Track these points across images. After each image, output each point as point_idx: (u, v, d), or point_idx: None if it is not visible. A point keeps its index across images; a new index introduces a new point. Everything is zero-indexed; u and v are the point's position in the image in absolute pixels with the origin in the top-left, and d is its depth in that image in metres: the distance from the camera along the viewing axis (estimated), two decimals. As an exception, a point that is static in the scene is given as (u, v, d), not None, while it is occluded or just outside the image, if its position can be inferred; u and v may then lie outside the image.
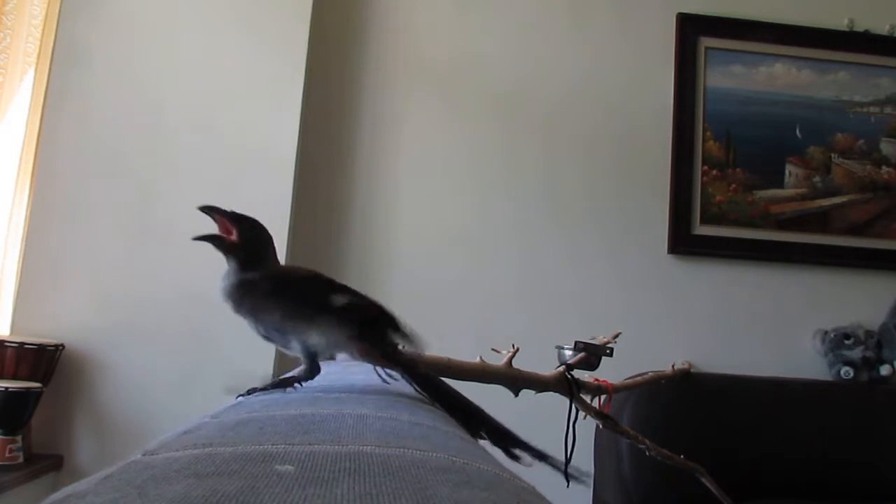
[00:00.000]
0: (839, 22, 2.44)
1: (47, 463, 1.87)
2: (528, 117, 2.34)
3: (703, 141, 2.36)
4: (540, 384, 1.34)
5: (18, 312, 1.96)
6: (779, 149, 2.39)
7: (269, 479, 0.29)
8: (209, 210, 0.73)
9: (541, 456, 0.75)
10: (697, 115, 2.36)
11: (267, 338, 0.72)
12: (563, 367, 1.38)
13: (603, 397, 1.51)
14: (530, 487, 0.36)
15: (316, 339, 0.70)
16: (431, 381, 0.76)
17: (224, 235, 0.72)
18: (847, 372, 2.20)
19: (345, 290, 0.73)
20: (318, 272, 0.76)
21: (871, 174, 2.41)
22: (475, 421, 0.74)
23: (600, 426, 1.45)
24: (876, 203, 2.40)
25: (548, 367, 1.40)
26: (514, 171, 2.31)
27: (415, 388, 0.75)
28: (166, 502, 0.26)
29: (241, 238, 0.71)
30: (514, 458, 0.73)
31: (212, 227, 0.74)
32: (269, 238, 0.75)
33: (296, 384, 0.71)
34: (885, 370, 2.22)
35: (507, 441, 0.74)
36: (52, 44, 2.05)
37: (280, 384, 0.70)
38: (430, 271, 2.23)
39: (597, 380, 1.47)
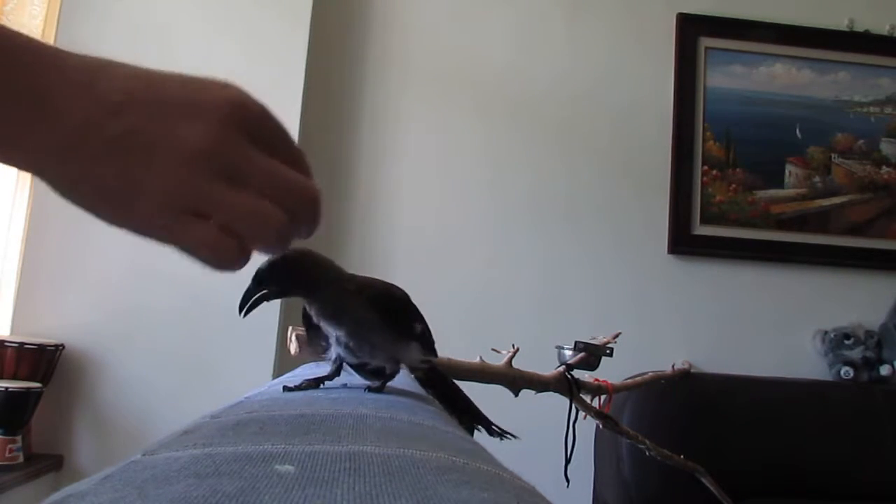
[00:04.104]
0: (839, 22, 2.44)
1: (47, 463, 1.87)
2: (526, 117, 2.34)
3: (703, 141, 2.36)
4: (540, 384, 1.34)
5: (18, 312, 1.96)
6: (779, 149, 2.39)
7: (269, 479, 0.29)
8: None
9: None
10: (697, 115, 2.36)
11: (350, 352, 0.71)
12: (563, 367, 1.38)
13: (603, 397, 1.51)
14: (530, 487, 0.36)
15: (394, 361, 0.71)
16: (454, 390, 0.83)
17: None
18: (847, 372, 2.20)
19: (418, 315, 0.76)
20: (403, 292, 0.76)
21: (871, 174, 2.41)
22: (480, 423, 0.84)
23: (600, 426, 1.46)
24: (876, 203, 2.40)
25: (548, 367, 1.40)
26: (510, 170, 2.31)
27: (430, 394, 0.79)
28: (166, 502, 0.26)
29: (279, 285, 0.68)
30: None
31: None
32: (310, 262, 0.70)
33: (322, 384, 0.72)
34: (885, 370, 2.22)
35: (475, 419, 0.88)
36: (52, 44, 2.05)
37: (313, 384, 0.71)
38: (430, 271, 2.23)
39: (597, 380, 1.47)
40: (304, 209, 0.41)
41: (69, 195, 0.38)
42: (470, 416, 0.87)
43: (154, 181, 0.37)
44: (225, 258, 0.39)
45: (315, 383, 0.71)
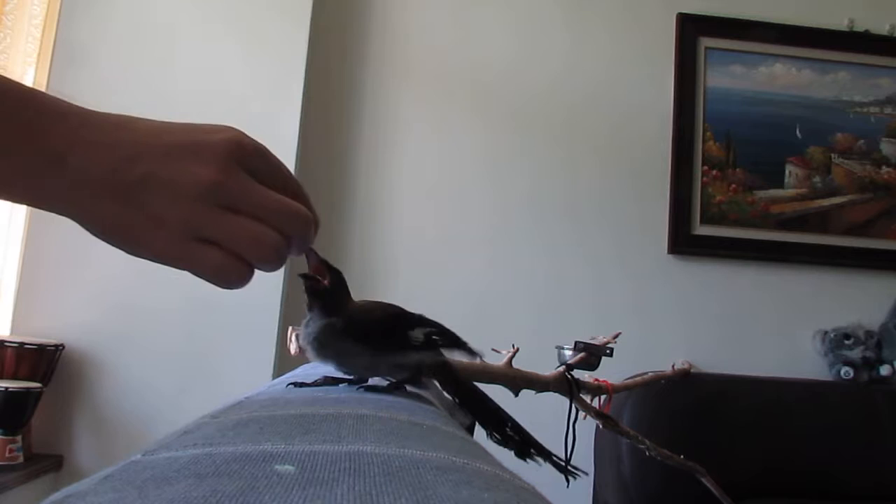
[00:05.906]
0: (839, 22, 2.44)
1: (47, 463, 1.87)
2: (526, 117, 2.34)
3: (703, 141, 2.36)
4: (540, 384, 1.34)
5: (18, 312, 1.96)
6: (779, 149, 2.39)
7: (269, 479, 0.29)
8: (309, 250, 0.74)
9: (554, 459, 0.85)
10: (697, 115, 2.37)
11: (347, 373, 0.74)
12: (563, 367, 1.38)
13: (603, 397, 1.51)
14: (530, 487, 0.36)
15: (402, 372, 0.73)
16: (473, 391, 0.81)
17: (318, 278, 0.73)
18: (847, 372, 2.20)
19: (418, 321, 0.76)
20: (392, 307, 0.78)
21: (871, 174, 2.41)
22: (503, 425, 0.80)
23: (600, 426, 1.45)
24: (876, 203, 2.40)
25: (548, 367, 1.40)
26: (510, 171, 2.31)
27: (453, 399, 0.79)
28: (166, 502, 0.26)
29: (331, 284, 0.73)
30: (528, 458, 0.82)
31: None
32: (347, 285, 0.77)
33: (342, 384, 0.71)
34: (885, 370, 2.22)
35: (529, 446, 0.81)
36: (52, 44, 2.05)
37: (329, 382, 0.71)
38: (430, 271, 2.23)
39: (597, 380, 1.47)
40: (297, 230, 0.48)
41: (102, 234, 0.45)
42: (520, 440, 0.81)
43: (170, 214, 0.44)
44: (232, 278, 0.46)
45: (334, 382, 0.71)
